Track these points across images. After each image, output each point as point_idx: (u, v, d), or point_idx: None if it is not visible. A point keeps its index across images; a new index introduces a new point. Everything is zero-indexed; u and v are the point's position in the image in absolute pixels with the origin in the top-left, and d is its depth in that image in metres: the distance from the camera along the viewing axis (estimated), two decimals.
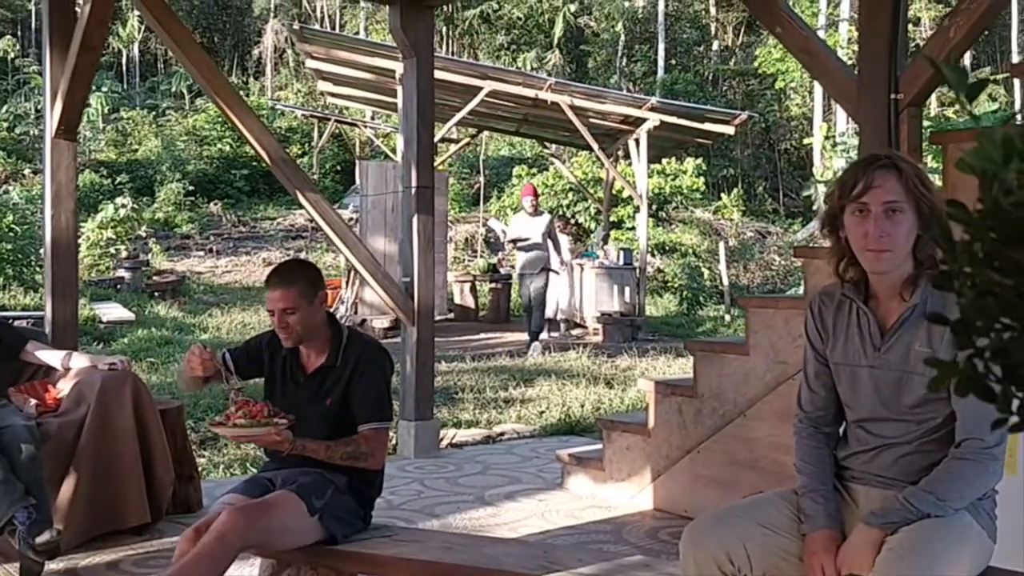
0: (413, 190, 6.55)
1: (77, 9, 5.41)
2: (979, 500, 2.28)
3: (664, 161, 22.09)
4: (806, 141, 26.88)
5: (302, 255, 21.52)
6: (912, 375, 2.28)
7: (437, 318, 7.61)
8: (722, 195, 26.22)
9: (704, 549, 2.36)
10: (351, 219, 16.01)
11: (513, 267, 16.56)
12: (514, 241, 12.22)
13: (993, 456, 2.22)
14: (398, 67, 11.35)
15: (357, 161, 18.57)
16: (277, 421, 3.03)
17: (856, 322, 2.40)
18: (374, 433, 3.23)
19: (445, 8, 30.24)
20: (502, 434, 7.40)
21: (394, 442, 6.73)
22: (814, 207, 24.17)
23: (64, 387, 4.61)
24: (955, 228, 0.63)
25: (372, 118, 25.02)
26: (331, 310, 3.48)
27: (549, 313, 13.23)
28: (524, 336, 12.60)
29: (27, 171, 24.65)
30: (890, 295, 2.33)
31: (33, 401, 4.45)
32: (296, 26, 13.93)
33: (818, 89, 25.04)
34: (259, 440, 3.15)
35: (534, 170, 24.23)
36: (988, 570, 2.30)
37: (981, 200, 0.60)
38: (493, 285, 16.62)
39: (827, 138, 23.47)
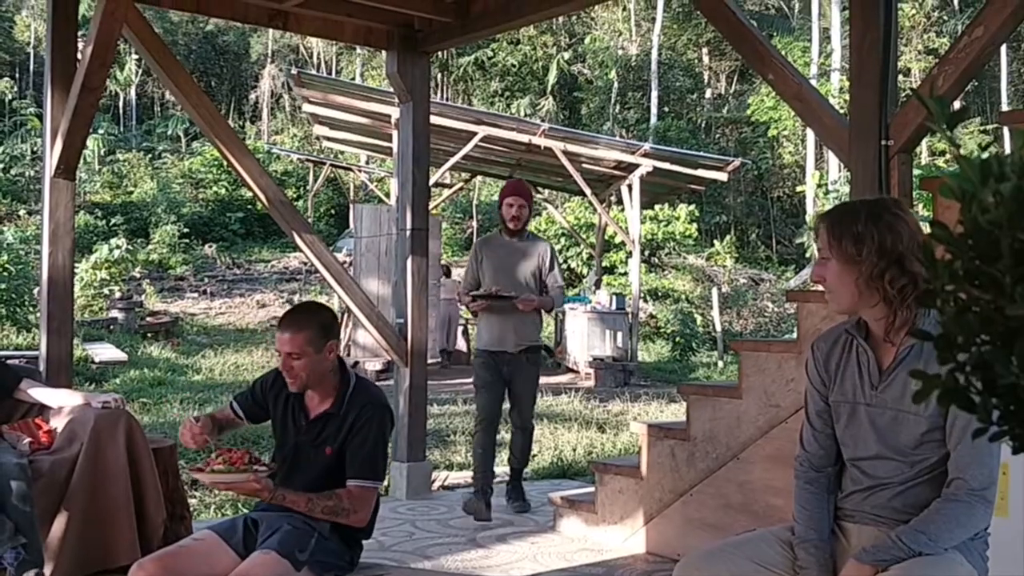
0: (408, 232, 6.60)
1: (79, 56, 5.46)
2: (971, 541, 2.29)
3: (657, 207, 22.24)
4: (799, 189, 27.07)
5: (295, 298, 21.52)
6: (907, 415, 2.30)
7: (430, 361, 7.62)
8: (715, 242, 26.36)
9: None
10: (345, 262, 16.06)
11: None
12: (484, 297, 5.91)
13: (984, 498, 2.23)
14: (394, 112, 11.49)
15: (351, 204, 18.66)
16: (257, 468, 2.97)
17: (857, 360, 2.42)
18: (360, 490, 3.15)
19: (440, 55, 30.56)
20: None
21: (386, 483, 6.72)
22: (807, 254, 24.31)
23: (57, 425, 4.61)
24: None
25: (367, 162, 25.17)
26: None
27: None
28: None
29: (22, 212, 24.71)
30: (889, 335, 2.36)
31: (26, 439, 4.44)
32: (294, 71, 14.05)
33: (811, 137, 25.27)
34: (237, 487, 3.07)
35: None
36: None
37: (961, 222, 0.64)
38: None
39: (820, 186, 23.65)
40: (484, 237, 6.23)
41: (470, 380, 7.29)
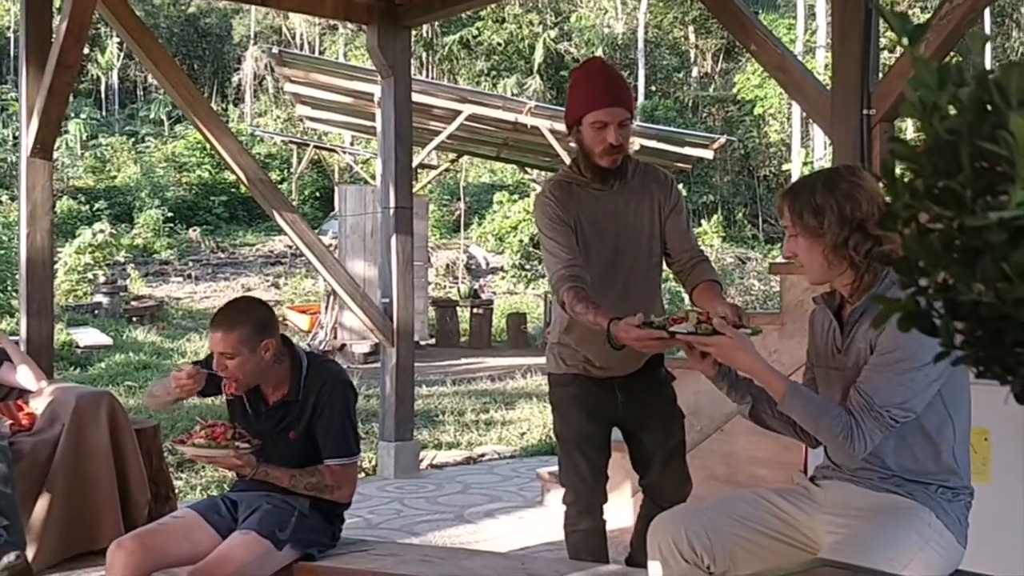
0: (391, 211, 6.56)
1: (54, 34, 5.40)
2: (948, 503, 2.28)
3: None
4: (785, 167, 27.06)
5: (280, 281, 21.44)
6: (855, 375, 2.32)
7: (420, 343, 7.60)
8: (702, 221, 26.33)
9: (666, 534, 2.40)
10: (330, 245, 16.00)
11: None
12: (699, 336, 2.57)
13: (851, 432, 2.21)
14: (377, 91, 11.40)
15: (336, 186, 18.58)
16: (239, 445, 2.96)
17: (826, 325, 2.45)
18: (340, 468, 3.14)
19: (425, 33, 30.39)
20: (483, 455, 7.38)
21: (374, 463, 6.71)
22: None
23: (38, 407, 4.58)
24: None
25: (351, 144, 25.03)
26: (307, 339, 3.39)
27: None
28: (507, 360, 12.04)
29: (4, 197, 24.50)
30: (851, 299, 2.38)
31: (7, 421, 4.41)
32: (276, 50, 13.94)
33: (796, 115, 25.24)
34: (219, 462, 3.08)
35: (515, 196, 24.26)
36: (956, 573, 2.30)
37: (922, 135, 0.62)
38: (475, 310, 16.64)
39: (806, 164, 23.63)
40: (557, 181, 3.42)
41: (460, 362, 6.86)
